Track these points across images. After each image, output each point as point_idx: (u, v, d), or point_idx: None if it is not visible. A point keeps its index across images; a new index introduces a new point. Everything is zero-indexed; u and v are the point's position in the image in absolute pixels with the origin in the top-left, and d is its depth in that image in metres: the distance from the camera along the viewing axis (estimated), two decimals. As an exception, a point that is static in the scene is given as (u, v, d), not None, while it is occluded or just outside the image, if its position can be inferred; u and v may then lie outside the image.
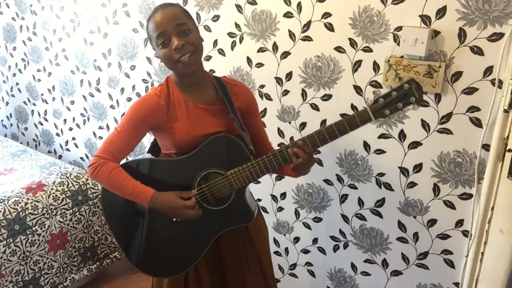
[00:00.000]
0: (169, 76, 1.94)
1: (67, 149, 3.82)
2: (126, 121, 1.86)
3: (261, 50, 2.41)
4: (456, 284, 2.22)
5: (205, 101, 1.89)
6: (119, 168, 1.86)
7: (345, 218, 2.45)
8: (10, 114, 4.24)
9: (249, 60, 2.48)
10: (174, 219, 1.91)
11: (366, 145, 2.26)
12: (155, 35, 1.75)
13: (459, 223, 2.12)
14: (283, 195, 2.64)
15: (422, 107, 2.04)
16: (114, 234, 2.04)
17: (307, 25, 2.22)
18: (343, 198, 2.42)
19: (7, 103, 4.22)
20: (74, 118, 3.63)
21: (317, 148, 1.75)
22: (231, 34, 2.49)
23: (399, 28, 1.99)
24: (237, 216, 1.92)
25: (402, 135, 2.14)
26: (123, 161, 1.92)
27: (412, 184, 2.19)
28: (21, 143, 4.01)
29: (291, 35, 2.29)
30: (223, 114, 1.90)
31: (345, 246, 2.51)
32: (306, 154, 1.73)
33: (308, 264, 2.70)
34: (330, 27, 2.17)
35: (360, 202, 2.37)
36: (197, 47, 1.79)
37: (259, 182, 2.67)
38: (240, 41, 2.47)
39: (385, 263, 2.41)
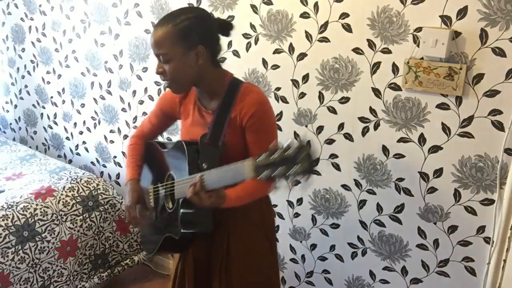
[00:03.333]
0: None
1: (77, 154, 3.86)
2: (155, 105, 2.20)
3: (277, 51, 2.46)
4: (479, 292, 2.25)
5: (210, 108, 1.96)
6: (135, 145, 2.21)
7: (363, 224, 2.49)
8: (19, 117, 4.28)
9: (264, 62, 2.52)
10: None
11: (385, 149, 2.29)
12: None
13: (481, 229, 2.15)
14: (300, 201, 2.67)
15: (443, 110, 2.09)
16: None
17: (324, 26, 2.27)
18: (361, 203, 2.46)
19: (15, 106, 4.26)
20: (84, 122, 3.67)
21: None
22: (246, 35, 2.54)
23: (419, 29, 2.03)
24: (170, 225, 1.97)
25: (422, 139, 2.18)
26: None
27: (432, 190, 2.22)
28: (30, 147, 4.02)
29: (308, 36, 2.34)
30: None
31: (364, 253, 2.54)
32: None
33: (325, 271, 2.72)
34: (348, 28, 2.22)
35: (379, 208, 2.41)
36: (173, 78, 1.84)
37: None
38: (255, 42, 2.52)
39: (404, 271, 2.44)
